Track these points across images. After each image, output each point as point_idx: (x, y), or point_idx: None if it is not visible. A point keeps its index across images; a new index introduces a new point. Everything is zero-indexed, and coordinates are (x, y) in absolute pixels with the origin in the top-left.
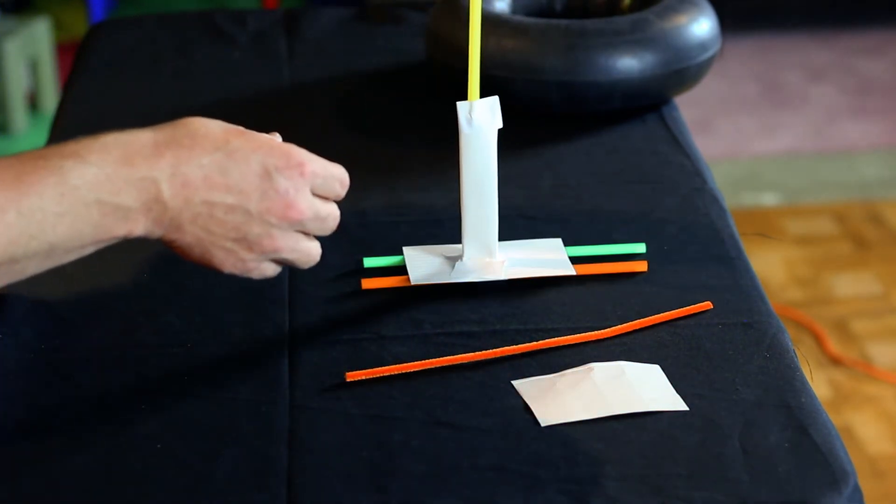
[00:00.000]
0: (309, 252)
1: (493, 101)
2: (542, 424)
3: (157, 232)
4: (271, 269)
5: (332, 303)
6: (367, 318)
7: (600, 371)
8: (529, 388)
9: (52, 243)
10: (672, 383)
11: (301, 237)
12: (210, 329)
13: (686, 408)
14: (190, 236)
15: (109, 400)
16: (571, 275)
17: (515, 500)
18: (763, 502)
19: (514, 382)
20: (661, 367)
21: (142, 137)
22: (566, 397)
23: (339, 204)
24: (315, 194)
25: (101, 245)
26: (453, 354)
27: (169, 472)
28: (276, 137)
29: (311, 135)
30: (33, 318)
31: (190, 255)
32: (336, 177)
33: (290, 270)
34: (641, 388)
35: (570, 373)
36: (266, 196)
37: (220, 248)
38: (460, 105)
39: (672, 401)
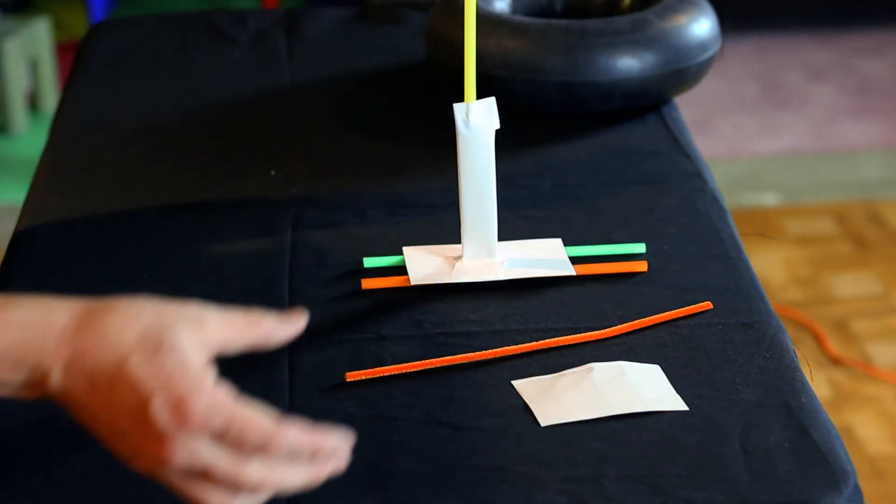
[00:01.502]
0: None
1: (490, 103)
2: (542, 424)
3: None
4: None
5: (332, 303)
6: (367, 318)
7: (600, 371)
8: (529, 388)
9: None
10: (672, 383)
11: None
12: None
13: (686, 408)
14: (84, 414)
15: None
16: (571, 275)
17: (515, 500)
18: (763, 502)
19: (514, 382)
20: (661, 367)
21: (57, 321)
22: (566, 397)
23: (340, 204)
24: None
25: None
26: (453, 354)
27: None
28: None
29: (311, 135)
30: None
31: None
32: (252, 427)
33: (290, 271)
34: (641, 388)
35: (570, 373)
36: (136, 435)
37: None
38: (457, 107)
39: (672, 401)
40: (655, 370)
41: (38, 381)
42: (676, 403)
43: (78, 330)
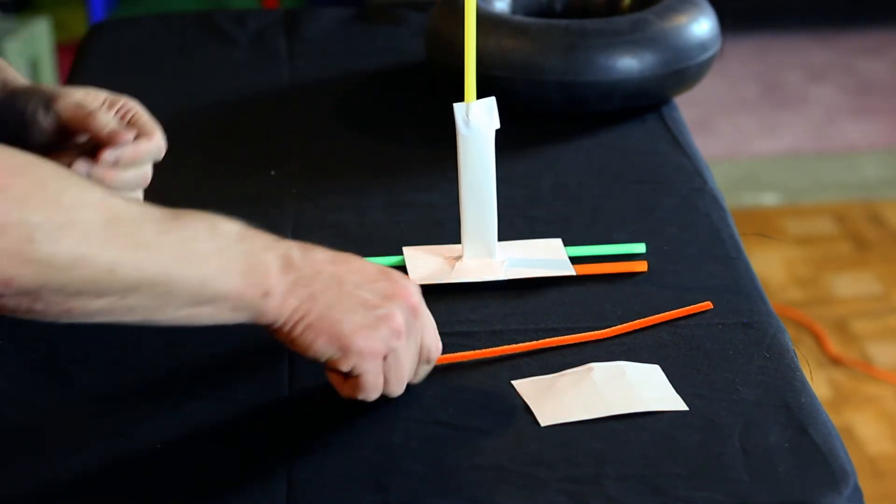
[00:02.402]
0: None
1: (490, 102)
2: (542, 424)
3: (289, 303)
4: (381, 381)
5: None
6: None
7: (600, 371)
8: (529, 388)
9: (204, 277)
10: (672, 383)
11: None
12: (210, 329)
13: (686, 408)
14: (323, 305)
15: (109, 400)
16: (571, 275)
17: (515, 500)
18: (763, 502)
19: (514, 382)
20: (661, 367)
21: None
22: (566, 397)
23: (340, 204)
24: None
25: (239, 312)
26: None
27: (169, 472)
28: None
29: (311, 135)
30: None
31: (320, 328)
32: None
33: None
34: (641, 388)
35: (570, 373)
36: (386, 281)
37: (354, 321)
38: (457, 107)
39: (672, 401)
40: (655, 370)
41: (286, 266)
42: (677, 403)
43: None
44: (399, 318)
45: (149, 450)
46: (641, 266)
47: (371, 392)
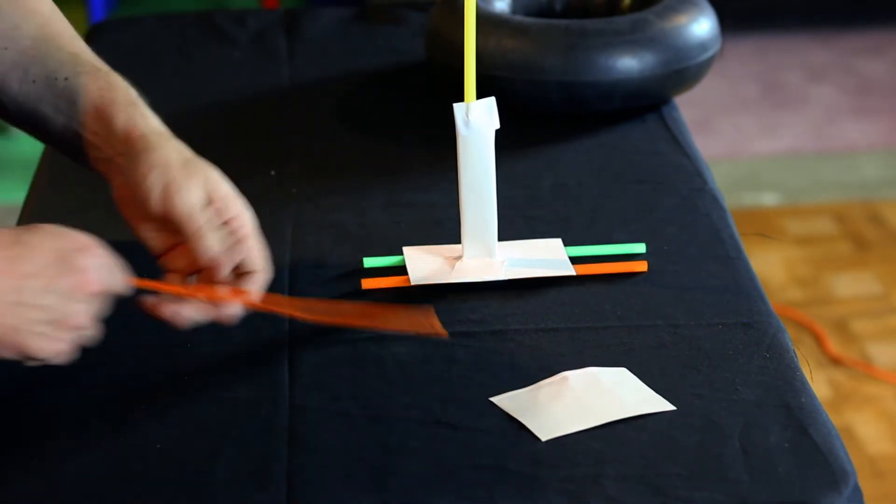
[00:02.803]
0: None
1: (490, 102)
2: (543, 439)
3: None
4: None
5: None
6: None
7: (575, 380)
8: (511, 404)
9: None
10: (672, 383)
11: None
12: (210, 329)
13: (672, 406)
14: (3, 327)
15: (109, 400)
16: (571, 275)
17: (515, 500)
18: (763, 502)
19: (494, 399)
20: (661, 367)
21: None
22: (554, 409)
23: (340, 204)
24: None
25: None
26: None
27: (169, 472)
28: None
29: (311, 135)
30: None
31: (2, 346)
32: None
33: (289, 270)
34: (622, 392)
35: (546, 384)
36: (66, 275)
37: (35, 334)
38: (457, 107)
39: (657, 402)
40: (625, 373)
41: None
42: (662, 404)
43: None
44: (82, 315)
45: (149, 450)
46: (641, 266)
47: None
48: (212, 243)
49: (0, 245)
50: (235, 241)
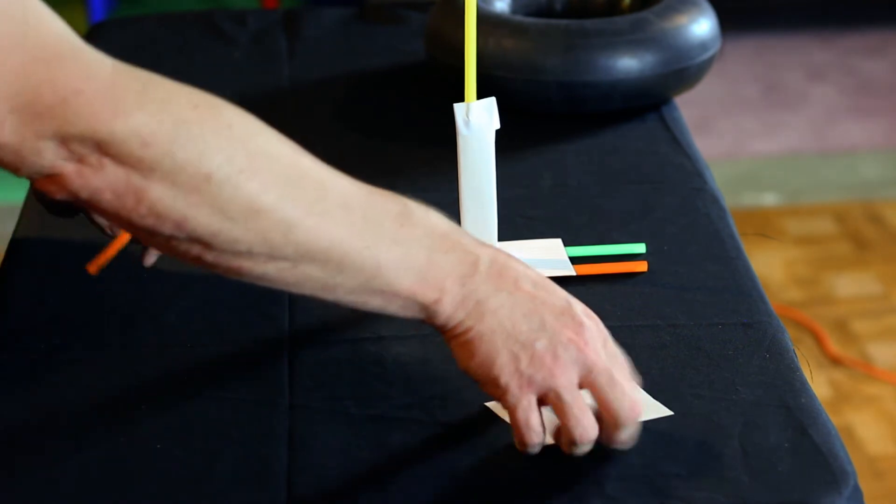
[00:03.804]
0: (587, 424)
1: (490, 102)
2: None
3: (458, 314)
4: (535, 419)
5: (333, 303)
6: (367, 318)
7: None
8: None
9: (379, 263)
10: (672, 383)
11: (584, 402)
12: (210, 329)
13: (669, 412)
14: (486, 326)
15: (109, 400)
16: (571, 275)
17: (516, 499)
18: (763, 502)
19: (488, 404)
20: (660, 367)
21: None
22: (549, 417)
23: None
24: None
25: (408, 310)
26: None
27: (169, 472)
28: None
29: (310, 135)
30: (33, 318)
31: (475, 349)
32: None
33: None
34: None
35: None
36: (563, 317)
37: (507, 349)
38: (457, 107)
39: (655, 409)
40: None
41: (465, 276)
42: (660, 410)
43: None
44: (557, 361)
45: (149, 450)
46: (641, 266)
47: (526, 432)
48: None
49: (521, 273)
50: None
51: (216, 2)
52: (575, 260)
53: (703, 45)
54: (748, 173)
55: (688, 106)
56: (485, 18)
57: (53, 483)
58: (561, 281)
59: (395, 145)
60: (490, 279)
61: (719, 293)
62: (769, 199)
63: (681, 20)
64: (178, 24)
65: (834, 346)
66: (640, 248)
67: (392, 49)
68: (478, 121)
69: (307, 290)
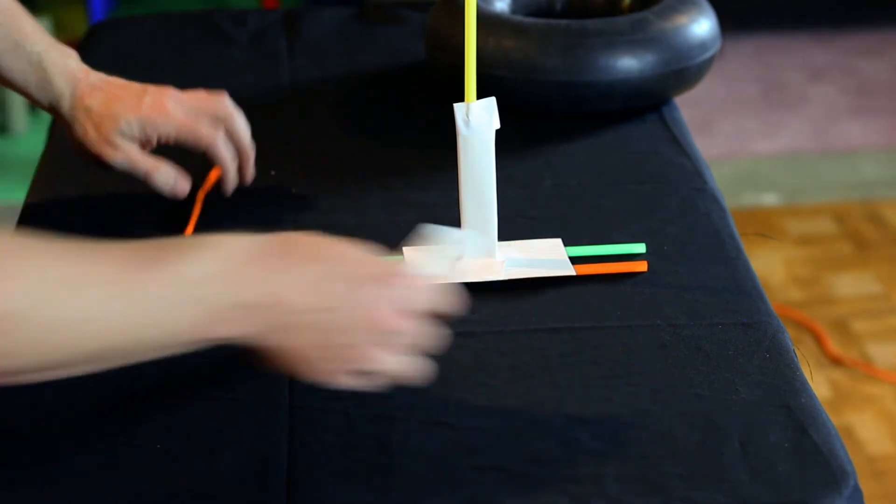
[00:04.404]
0: (396, 366)
1: (490, 102)
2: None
3: (253, 332)
4: (352, 380)
5: None
6: None
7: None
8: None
9: (154, 338)
10: (672, 383)
11: (386, 351)
12: None
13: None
14: (289, 340)
15: (109, 400)
16: (571, 275)
17: (515, 500)
18: (763, 502)
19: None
20: (661, 367)
21: (245, 242)
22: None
23: (340, 204)
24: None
25: (187, 347)
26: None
27: (169, 472)
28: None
29: (310, 135)
30: None
31: (282, 357)
32: (421, 290)
33: None
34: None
35: None
36: (354, 306)
37: (313, 353)
38: (457, 107)
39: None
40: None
41: (260, 304)
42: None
43: (268, 248)
44: (360, 349)
45: (149, 450)
46: (641, 266)
47: (356, 382)
48: (226, 152)
49: (300, 260)
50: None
51: (216, 2)
52: (575, 260)
53: (703, 45)
54: (748, 173)
55: (688, 106)
56: (485, 18)
57: (53, 483)
58: (561, 281)
59: (395, 145)
60: (282, 299)
61: (719, 293)
62: (769, 199)
63: (681, 20)
64: (178, 24)
65: (834, 346)
66: (640, 248)
67: (392, 49)
68: (478, 121)
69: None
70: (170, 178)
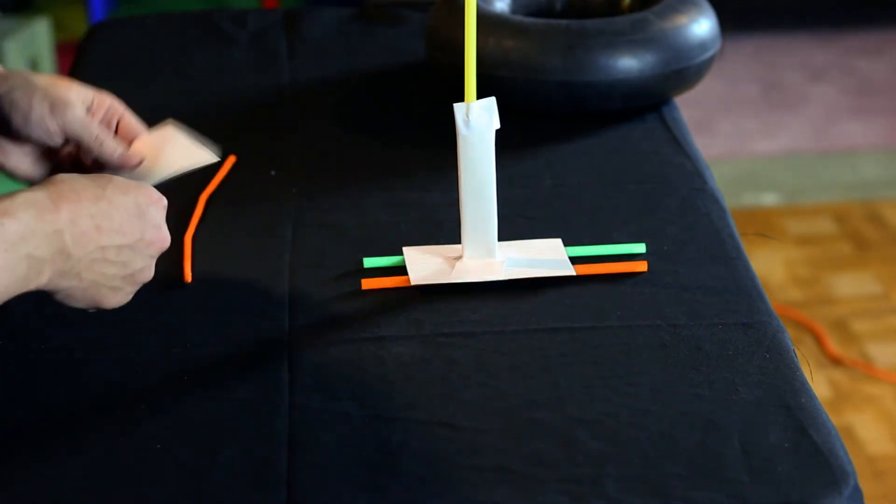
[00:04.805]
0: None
1: (490, 102)
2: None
3: (55, 281)
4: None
5: (332, 303)
6: (367, 318)
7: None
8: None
9: None
10: (672, 383)
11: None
12: (210, 329)
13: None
14: (85, 282)
15: (109, 400)
16: (571, 275)
17: (515, 500)
18: (763, 502)
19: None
20: (661, 367)
21: (39, 195)
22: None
23: (340, 204)
24: None
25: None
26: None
27: (169, 472)
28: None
29: (310, 135)
30: (33, 318)
31: (79, 299)
32: (162, 202)
33: (289, 270)
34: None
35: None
36: (145, 231)
37: (110, 288)
38: (457, 107)
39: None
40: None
41: (56, 253)
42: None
43: (58, 195)
44: (151, 269)
45: (149, 450)
46: (641, 266)
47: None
48: (113, 146)
49: (87, 199)
50: (113, 120)
51: (216, 2)
52: (575, 260)
53: (703, 45)
54: (748, 173)
55: (688, 106)
56: (485, 18)
57: (54, 483)
58: (561, 281)
59: (395, 145)
60: (76, 243)
61: (719, 293)
62: (769, 199)
63: (681, 20)
64: (178, 24)
65: (834, 346)
66: (640, 248)
67: (392, 49)
68: (478, 121)
69: None
70: (118, 147)
